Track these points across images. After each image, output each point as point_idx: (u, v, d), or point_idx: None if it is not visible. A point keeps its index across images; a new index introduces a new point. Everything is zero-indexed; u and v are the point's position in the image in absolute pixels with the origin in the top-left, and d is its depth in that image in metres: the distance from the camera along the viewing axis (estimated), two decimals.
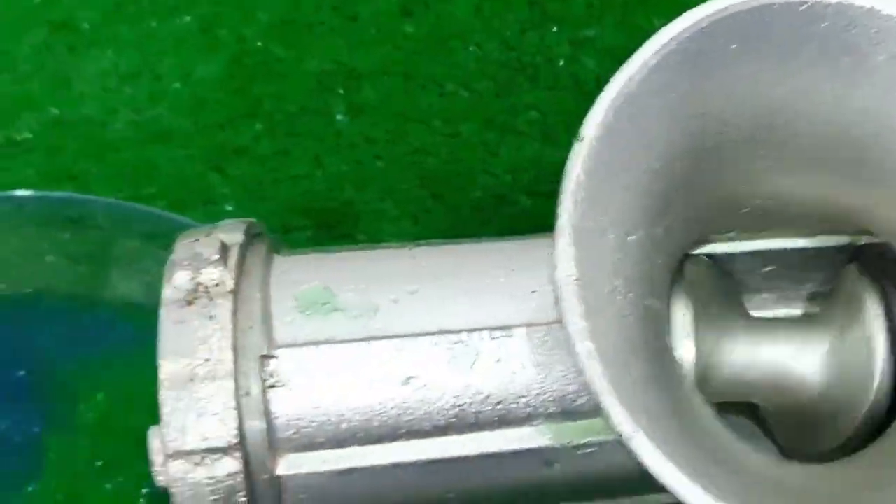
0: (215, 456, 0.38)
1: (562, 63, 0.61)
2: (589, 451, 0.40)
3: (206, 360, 0.38)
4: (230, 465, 0.38)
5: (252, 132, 0.60)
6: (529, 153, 0.59)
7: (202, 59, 0.62)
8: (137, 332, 0.57)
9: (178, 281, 0.40)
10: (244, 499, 0.38)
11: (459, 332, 0.40)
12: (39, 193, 0.58)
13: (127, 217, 0.58)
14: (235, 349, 0.39)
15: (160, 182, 0.60)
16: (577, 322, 0.33)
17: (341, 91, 0.61)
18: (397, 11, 0.62)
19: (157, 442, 0.38)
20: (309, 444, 0.39)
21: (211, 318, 0.39)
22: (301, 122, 0.60)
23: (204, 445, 0.38)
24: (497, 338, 0.39)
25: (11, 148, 0.60)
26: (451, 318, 0.40)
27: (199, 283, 0.39)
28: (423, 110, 0.60)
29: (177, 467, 0.38)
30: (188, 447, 0.38)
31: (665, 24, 0.60)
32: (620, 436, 0.33)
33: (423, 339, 0.40)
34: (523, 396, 0.39)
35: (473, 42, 0.62)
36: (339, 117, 0.60)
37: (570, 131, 0.59)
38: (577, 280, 0.34)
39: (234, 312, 0.39)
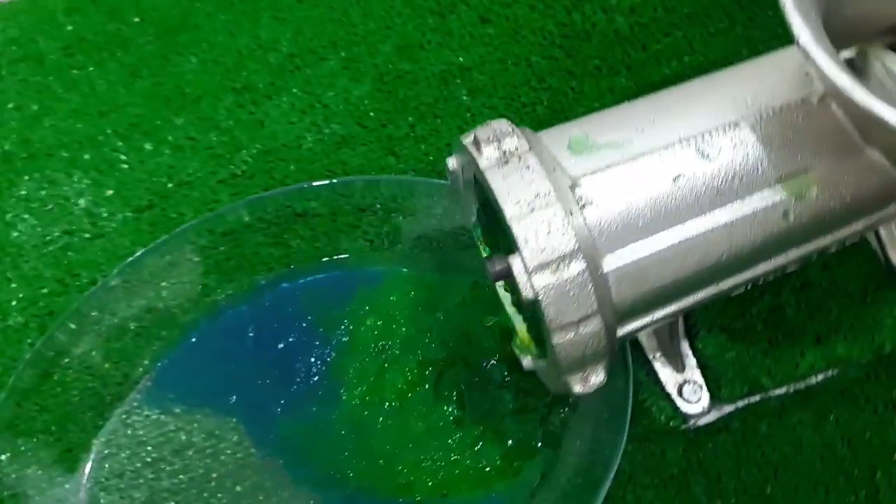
0: (566, 261, 0.35)
1: (602, 24, 0.59)
2: (812, 196, 0.37)
3: (537, 195, 0.35)
4: (577, 266, 0.35)
5: (407, 123, 0.57)
6: (605, 85, 0.58)
7: (353, 85, 0.59)
8: (372, 274, 0.53)
9: (487, 153, 0.37)
10: (592, 289, 0.35)
11: (699, 134, 0.37)
12: (272, 192, 0.54)
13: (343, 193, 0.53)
14: (553, 184, 0.35)
15: (353, 171, 0.56)
16: (821, 55, 0.31)
17: (459, 81, 0.59)
18: (478, 21, 0.61)
19: (518, 265, 0.35)
20: (619, 243, 0.36)
21: (528, 167, 0.36)
22: (439, 107, 0.58)
23: (556, 255, 0.35)
24: (728, 131, 0.37)
25: (237, 178, 0.56)
26: (688, 129, 0.38)
27: (504, 151, 0.37)
28: (520, 78, 0.59)
29: (540, 278, 0.35)
30: (545, 259, 0.35)
31: None
32: (873, 113, 0.30)
33: (673, 147, 0.37)
34: (757, 168, 0.37)
35: (537, 28, 0.60)
36: (464, 98, 0.58)
37: (627, 65, 0.58)
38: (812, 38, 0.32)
39: (540, 162, 0.36)
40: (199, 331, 0.52)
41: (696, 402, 0.48)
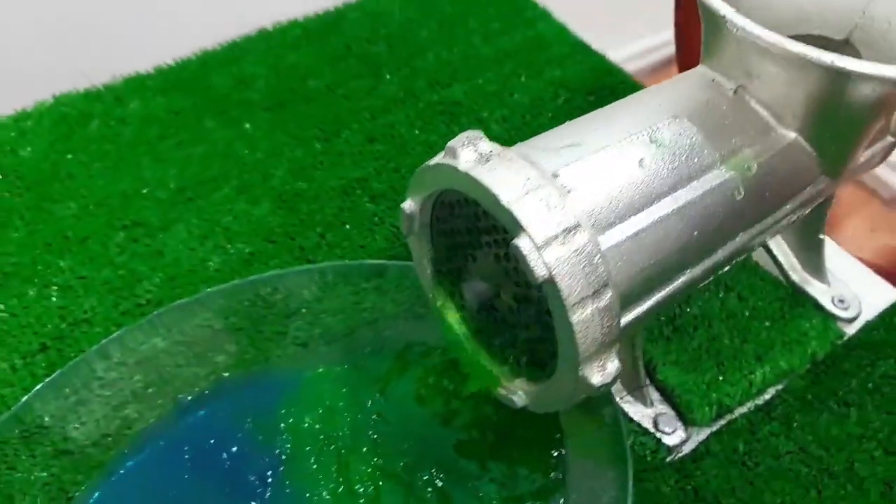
0: (571, 234, 0.35)
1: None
2: (753, 172, 0.41)
3: (527, 179, 0.36)
4: (581, 237, 0.36)
5: (316, 233, 0.57)
6: None
7: (252, 207, 0.58)
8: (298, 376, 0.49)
9: (466, 156, 0.38)
10: (600, 259, 0.35)
11: (648, 128, 0.41)
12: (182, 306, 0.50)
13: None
14: (538, 171, 0.37)
15: None
16: None
17: (359, 191, 0.60)
18: (365, 141, 0.63)
19: (527, 244, 0.35)
20: (606, 226, 0.37)
21: (510, 160, 0.37)
22: (345, 216, 0.58)
23: (561, 228, 0.35)
24: (671, 123, 0.41)
25: (143, 307, 0.52)
26: (637, 125, 0.41)
27: (480, 153, 0.37)
28: None
29: (550, 252, 0.35)
30: (552, 232, 0.35)
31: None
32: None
33: (630, 138, 0.40)
34: (703, 150, 0.41)
35: (422, 141, 0.63)
36: (368, 204, 0.59)
37: None
38: None
39: (520, 156, 0.37)
40: (123, 466, 0.45)
41: (673, 433, 0.48)
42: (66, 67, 0.65)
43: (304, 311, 0.52)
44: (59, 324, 0.51)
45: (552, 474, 0.46)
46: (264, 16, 0.72)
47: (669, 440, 0.48)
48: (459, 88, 0.67)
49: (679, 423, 0.48)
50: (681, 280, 0.41)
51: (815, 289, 0.55)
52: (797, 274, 0.55)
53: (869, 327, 0.54)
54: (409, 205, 0.43)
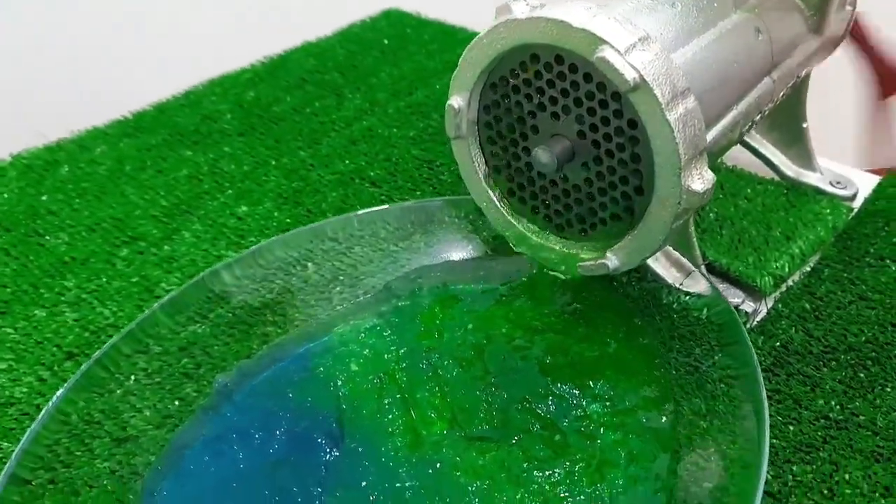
0: (645, 42, 0.37)
1: None
2: (764, 17, 0.44)
3: (588, 8, 0.37)
4: (656, 47, 0.37)
5: (322, 213, 0.55)
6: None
7: (255, 207, 0.56)
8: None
9: (520, 8, 0.38)
10: (676, 64, 0.37)
11: None
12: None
13: None
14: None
15: None
16: None
17: (358, 180, 0.58)
18: (349, 143, 0.63)
19: (611, 53, 0.36)
20: (668, 47, 0.39)
21: (564, 1, 0.38)
22: (350, 201, 0.57)
23: (636, 37, 0.37)
24: None
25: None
26: None
27: (531, 5, 0.38)
28: (412, 165, 0.60)
29: (635, 57, 0.36)
30: (631, 40, 0.36)
31: None
32: None
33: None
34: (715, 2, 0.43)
35: (404, 136, 0.64)
36: (370, 189, 0.58)
37: None
38: None
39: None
40: (184, 451, 0.40)
41: (743, 303, 0.48)
42: (17, 129, 0.62)
43: (342, 278, 0.50)
44: (81, 333, 0.46)
45: (654, 386, 0.43)
46: (212, 67, 0.72)
47: (743, 307, 0.48)
48: (420, 94, 0.69)
49: (744, 295, 0.49)
50: (735, 111, 0.42)
51: (810, 178, 0.58)
52: (791, 169, 0.58)
53: (870, 200, 0.57)
54: (456, 101, 0.42)
